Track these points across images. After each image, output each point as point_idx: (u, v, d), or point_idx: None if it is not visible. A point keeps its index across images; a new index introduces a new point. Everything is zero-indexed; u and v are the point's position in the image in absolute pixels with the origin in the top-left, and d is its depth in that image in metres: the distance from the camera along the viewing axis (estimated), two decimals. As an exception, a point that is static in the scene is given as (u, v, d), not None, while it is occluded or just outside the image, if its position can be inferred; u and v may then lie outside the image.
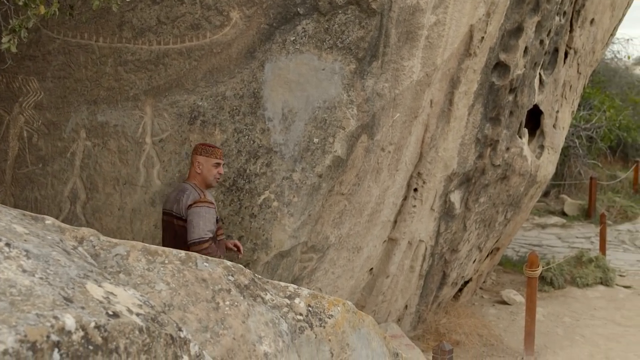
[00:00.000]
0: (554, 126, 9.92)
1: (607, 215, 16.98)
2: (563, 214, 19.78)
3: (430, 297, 9.10)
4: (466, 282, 10.37)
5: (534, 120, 9.56)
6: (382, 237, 7.65)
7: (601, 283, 12.79)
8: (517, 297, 11.38)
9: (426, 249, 8.36)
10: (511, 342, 9.85)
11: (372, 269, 7.88)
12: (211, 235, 5.64)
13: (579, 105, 21.45)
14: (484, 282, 11.75)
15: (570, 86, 10.30)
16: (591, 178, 19.90)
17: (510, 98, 8.30)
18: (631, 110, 25.79)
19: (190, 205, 5.70)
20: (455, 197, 8.31)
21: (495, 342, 9.66)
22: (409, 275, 8.38)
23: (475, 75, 7.52)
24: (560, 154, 18.86)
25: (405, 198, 7.71)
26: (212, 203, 5.80)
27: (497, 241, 10.25)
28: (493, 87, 7.91)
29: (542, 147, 9.75)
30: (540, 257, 12.15)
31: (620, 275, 13.83)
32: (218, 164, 5.92)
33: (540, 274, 11.08)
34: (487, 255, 10.44)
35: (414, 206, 7.80)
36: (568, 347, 9.95)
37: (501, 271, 13.03)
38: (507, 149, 8.64)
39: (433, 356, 5.48)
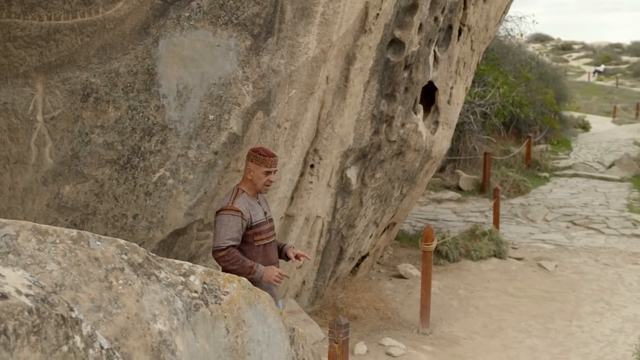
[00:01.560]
0: (449, 102, 10.08)
1: (501, 190, 17.35)
2: (458, 188, 20.15)
3: (328, 272, 9.17)
4: (363, 257, 10.49)
5: (428, 96, 9.69)
6: (279, 214, 7.66)
7: (495, 256, 13.10)
8: (414, 271, 11.56)
9: (323, 224, 8.41)
10: (407, 315, 10.02)
11: (269, 245, 7.90)
12: (232, 243, 5.75)
13: (474, 82, 21.83)
14: (381, 256, 11.90)
15: (464, 63, 10.48)
16: (485, 153, 20.31)
17: (406, 74, 8.40)
18: (524, 87, 26.39)
19: (217, 212, 5.87)
20: (352, 173, 8.38)
21: (392, 315, 9.82)
22: (306, 251, 8.43)
23: (370, 51, 7.58)
24: (455, 130, 19.18)
25: (302, 174, 7.74)
26: (238, 210, 5.84)
27: (393, 216, 10.38)
28: (388, 63, 7.99)
29: (436, 123, 9.90)
30: (435, 231, 12.38)
31: (513, 248, 14.20)
32: (268, 172, 5.97)
33: (436, 247, 11.28)
34: (384, 230, 10.56)
35: (311, 182, 7.84)
36: (462, 319, 10.18)
37: (398, 246, 13.22)
38: (403, 125, 8.74)
39: (329, 331, 5.54)
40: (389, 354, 8.50)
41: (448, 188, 20.07)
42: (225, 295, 4.13)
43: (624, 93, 57.76)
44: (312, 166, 7.78)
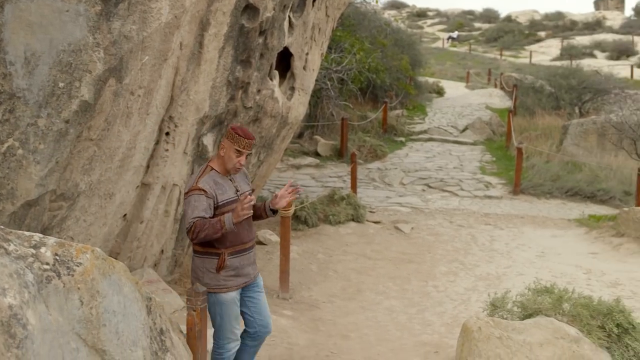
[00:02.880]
0: (304, 68, 10.12)
1: (358, 155, 17.61)
2: (317, 154, 20.33)
3: (186, 240, 9.11)
4: (223, 225, 10.46)
5: (284, 62, 9.70)
6: (135, 183, 7.55)
7: (353, 220, 13.29)
8: (273, 237, 11.62)
9: (180, 192, 8.34)
10: (267, 281, 10.05)
11: (125, 215, 7.78)
12: (198, 219, 5.67)
13: (330, 48, 21.98)
14: (240, 223, 11.89)
15: (319, 29, 10.53)
16: (343, 119, 20.56)
17: (261, 40, 8.38)
18: (380, 53, 26.73)
19: (185, 194, 5.87)
20: (208, 140, 8.32)
21: (252, 281, 9.84)
22: (164, 219, 8.35)
23: (224, 17, 7.52)
24: (313, 96, 19.33)
25: (157, 142, 7.64)
26: (202, 189, 5.74)
27: (251, 183, 10.37)
28: (243, 29, 7.95)
29: (292, 88, 9.93)
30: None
31: (371, 212, 14.46)
32: (239, 153, 5.84)
33: (295, 213, 11.38)
34: (243, 197, 10.55)
35: (167, 150, 7.75)
36: (322, 282, 10.32)
37: (258, 212, 13.23)
38: (259, 91, 8.74)
39: (187, 299, 5.51)
40: (249, 320, 8.53)
41: (306, 154, 20.22)
42: (78, 266, 4.06)
43: (476, 59, 59.44)
44: (167, 134, 7.69)
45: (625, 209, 13.21)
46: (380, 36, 28.60)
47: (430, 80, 38.85)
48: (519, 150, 17.47)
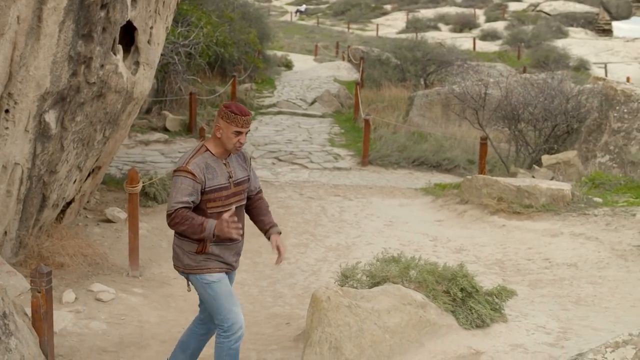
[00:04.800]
0: (149, 42, 9.96)
1: (207, 129, 17.51)
2: (165, 130, 20.09)
3: (31, 221, 8.86)
4: (69, 203, 10.21)
5: (128, 36, 9.52)
6: (-26, 163, 7.30)
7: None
8: (121, 215, 11.42)
9: (23, 172, 8.09)
10: (117, 259, 9.92)
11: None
12: (182, 205, 5.40)
13: (177, 22, 21.70)
14: (87, 202, 11.64)
15: (164, 2, 10.36)
16: (191, 94, 20.39)
17: (102, 14, 8.18)
18: (227, 27, 26.57)
19: (174, 172, 5.57)
20: (51, 117, 8.09)
21: (101, 260, 9.68)
22: (6, 200, 8.08)
23: (64, -10, 7.32)
24: (160, 71, 19.10)
25: (-4, 120, 7.39)
26: (190, 172, 5.40)
27: (97, 160, 10.16)
28: (84, 2, 7.74)
29: (137, 63, 9.76)
30: (143, 173, 12.32)
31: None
32: (239, 133, 5.48)
33: (143, 189, 11.22)
34: (89, 175, 10.33)
35: (7, 128, 7.49)
36: (171, 259, 10.23)
37: (105, 190, 12.99)
38: (102, 66, 8.54)
39: (31, 280, 5.39)
40: (98, 300, 8.39)
41: (155, 130, 19.94)
42: None
43: (324, 32, 59.94)
44: (7, 111, 7.43)
45: (469, 177, 13.65)
46: (228, 10, 28.41)
47: (279, 53, 38.92)
48: (367, 122, 17.79)
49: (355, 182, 15.70)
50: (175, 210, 5.42)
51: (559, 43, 47.51)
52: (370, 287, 7.32)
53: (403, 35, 45.87)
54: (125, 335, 7.57)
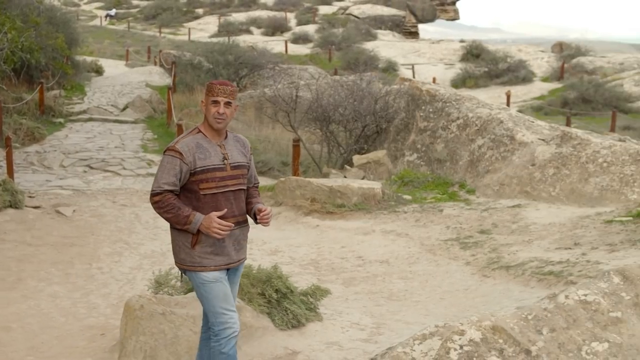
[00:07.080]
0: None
1: (14, 138, 16.94)
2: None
3: None
4: None
5: None
6: None
7: (10, 206, 12.70)
8: None
9: None
10: None
11: None
12: (168, 187, 5.18)
13: (-20, 28, 20.88)
14: None
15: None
16: (-5, 102, 19.67)
17: None
18: (33, 32, 25.71)
19: (163, 152, 5.33)
20: None
21: None
22: None
23: None
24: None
25: None
26: (178, 152, 5.10)
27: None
28: None
29: None
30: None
31: (30, 197, 13.97)
32: (216, 103, 5.15)
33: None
34: None
35: None
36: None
37: None
38: None
39: None
40: None
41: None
42: None
43: (135, 37, 59.18)
44: None
45: (282, 178, 13.82)
46: (33, 14, 27.50)
47: (89, 59, 37.98)
48: (179, 126, 17.68)
49: (169, 188, 15.55)
50: (162, 192, 5.23)
51: (369, 45, 49.00)
52: (185, 294, 7.31)
53: (215, 39, 45.76)
54: None
